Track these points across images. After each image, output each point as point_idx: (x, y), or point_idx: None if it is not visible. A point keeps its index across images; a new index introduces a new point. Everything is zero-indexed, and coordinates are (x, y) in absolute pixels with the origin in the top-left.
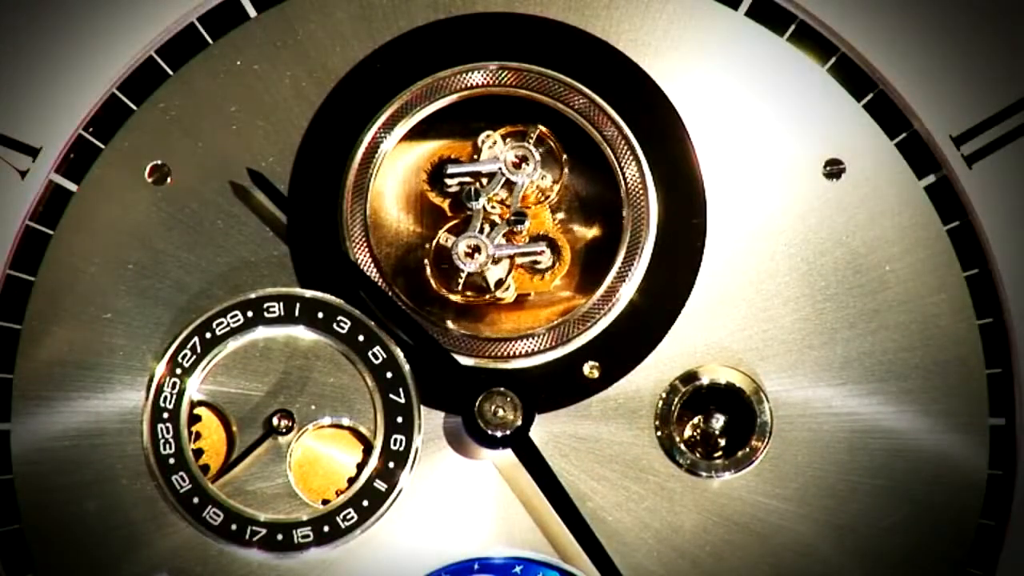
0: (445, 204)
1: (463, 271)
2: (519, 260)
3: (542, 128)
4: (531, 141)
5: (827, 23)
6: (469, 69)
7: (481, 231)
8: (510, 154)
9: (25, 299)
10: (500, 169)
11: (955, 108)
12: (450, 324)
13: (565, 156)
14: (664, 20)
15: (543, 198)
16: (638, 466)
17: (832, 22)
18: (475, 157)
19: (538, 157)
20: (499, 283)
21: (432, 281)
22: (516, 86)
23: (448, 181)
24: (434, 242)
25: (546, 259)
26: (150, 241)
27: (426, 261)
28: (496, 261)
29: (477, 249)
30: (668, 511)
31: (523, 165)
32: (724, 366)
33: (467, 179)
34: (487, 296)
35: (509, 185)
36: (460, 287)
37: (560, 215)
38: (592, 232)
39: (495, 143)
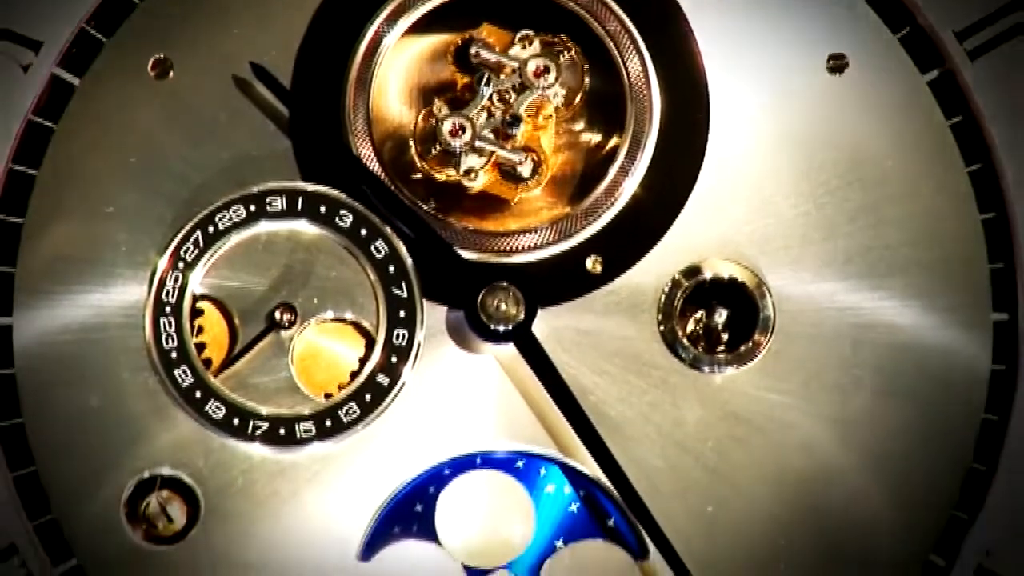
0: (461, 82)
1: (439, 142)
2: (499, 160)
3: (577, 50)
4: (561, 58)
5: None
6: None
7: (477, 117)
8: (535, 61)
9: (28, 193)
10: (519, 69)
11: (958, 3)
12: (453, 218)
13: (587, 82)
14: None
15: (552, 115)
16: (640, 360)
17: None
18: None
19: (559, 74)
20: (469, 171)
21: (412, 142)
22: None
23: (472, 60)
24: (431, 107)
25: (524, 170)
26: (152, 135)
27: (417, 120)
28: (477, 151)
29: (463, 129)
30: (671, 405)
31: (542, 76)
32: (727, 260)
33: (487, 65)
34: (451, 175)
35: (522, 88)
36: (431, 156)
37: (561, 139)
38: (594, 133)
39: (531, 44)
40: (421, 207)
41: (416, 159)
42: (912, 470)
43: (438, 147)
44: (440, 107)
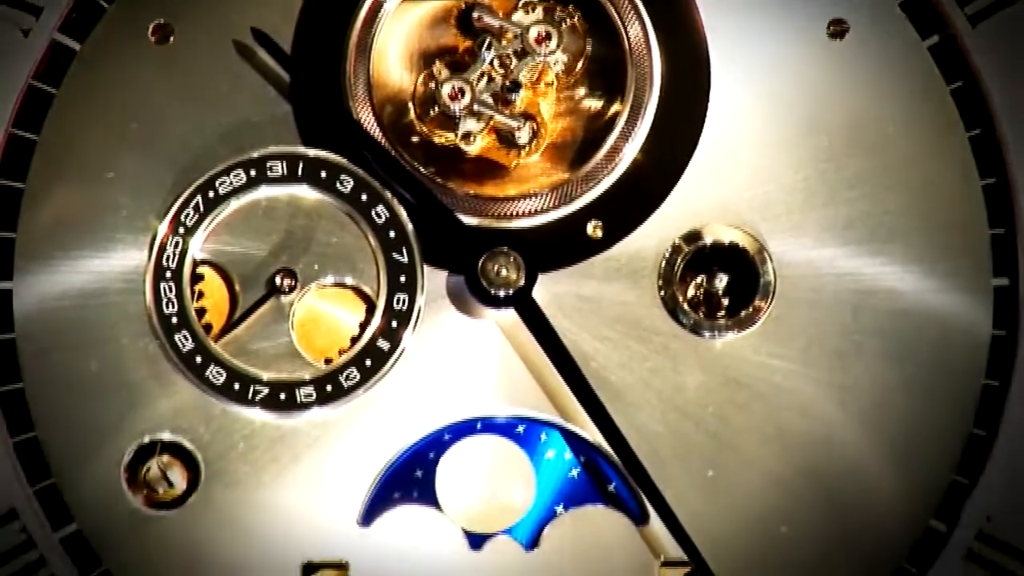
0: (462, 46)
1: (438, 104)
2: (497, 125)
3: (579, 16)
4: (563, 25)
5: None
6: None
7: (477, 81)
8: (537, 27)
9: (28, 158)
10: (521, 35)
11: None
12: (453, 184)
13: (588, 49)
14: None
15: (553, 81)
16: (641, 326)
17: None
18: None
19: (560, 41)
20: (467, 135)
21: (412, 104)
22: None
23: (474, 24)
24: (432, 70)
25: (522, 136)
26: (153, 100)
27: (416, 83)
28: (475, 115)
29: (462, 92)
30: (671, 371)
31: (543, 43)
32: (727, 226)
33: (489, 29)
34: (447, 138)
35: (523, 54)
36: (430, 118)
37: (561, 105)
38: (595, 100)
39: (534, 10)
40: (422, 172)
41: (415, 122)
42: (913, 435)
43: (436, 109)
44: (440, 70)
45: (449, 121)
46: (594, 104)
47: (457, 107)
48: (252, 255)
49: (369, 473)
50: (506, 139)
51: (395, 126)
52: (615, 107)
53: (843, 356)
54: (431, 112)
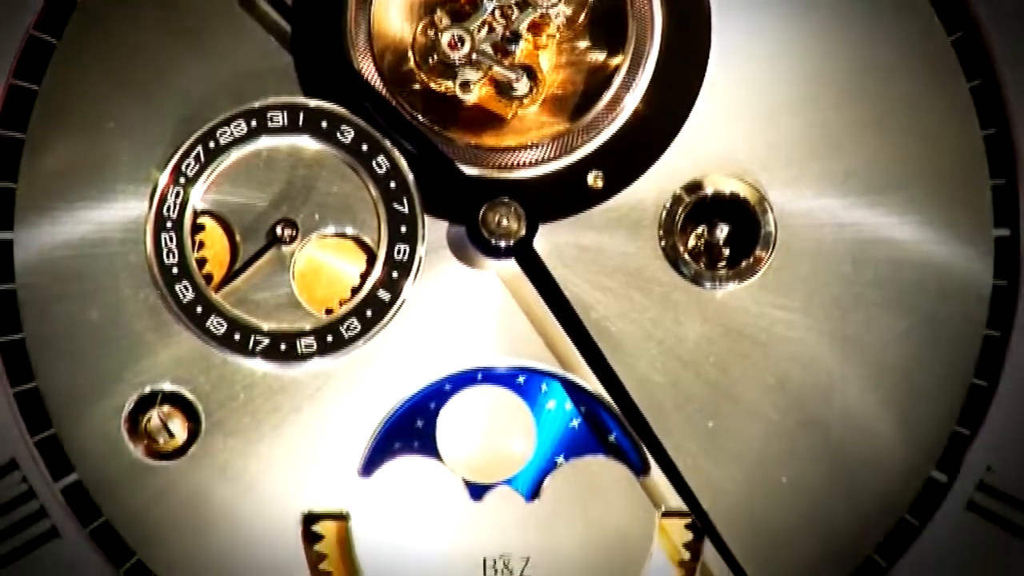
0: None
1: (437, 52)
2: (495, 75)
3: None
4: None
5: None
6: None
7: (477, 31)
8: None
9: (29, 108)
10: None
11: None
12: (454, 134)
13: (591, 1)
14: None
15: (555, 34)
16: (642, 276)
17: None
18: None
19: None
20: (465, 84)
21: (411, 52)
22: None
23: None
24: (433, 17)
25: (520, 88)
26: (154, 51)
27: (417, 31)
28: (474, 64)
29: (461, 41)
30: (672, 322)
31: None
32: (728, 176)
33: None
34: (446, 86)
35: (524, 5)
36: (428, 66)
37: (562, 57)
38: (595, 52)
39: None
40: (423, 123)
41: (415, 69)
42: (913, 386)
43: (436, 58)
44: (441, 17)
45: (448, 69)
46: (595, 56)
47: (456, 56)
48: (253, 205)
49: (370, 423)
50: (504, 90)
51: (395, 74)
52: (616, 59)
53: (844, 306)
54: (430, 60)
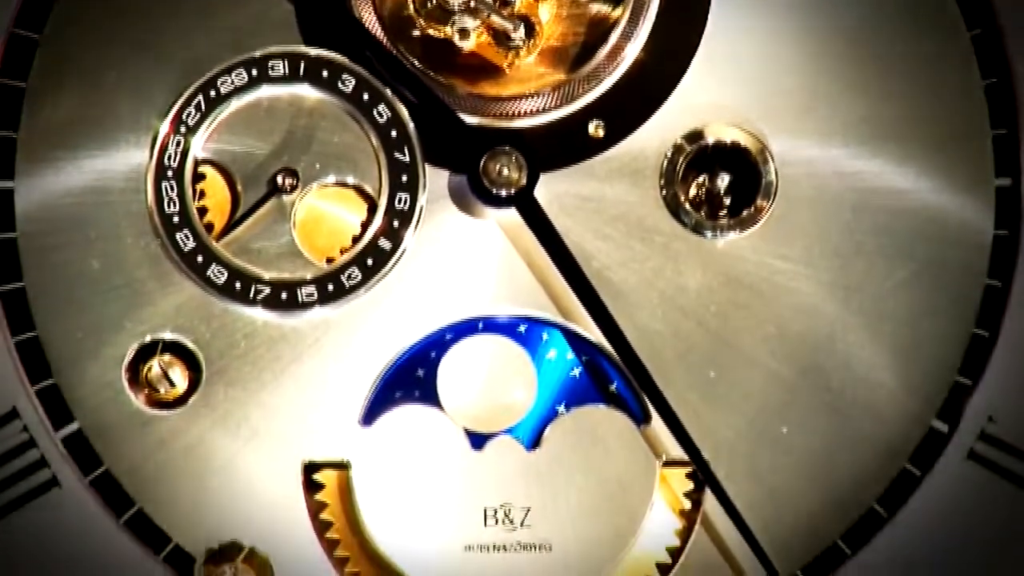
0: None
1: None
2: (493, 24)
3: None
4: None
5: None
6: None
7: None
8: None
9: (30, 57)
10: None
11: None
12: (455, 83)
13: None
14: None
15: None
16: (643, 226)
17: None
18: None
19: None
20: (463, 31)
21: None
22: None
23: None
24: None
25: (517, 38)
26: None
27: None
28: (472, 11)
29: None
30: (673, 271)
31: None
32: (729, 125)
33: None
34: (444, 32)
35: None
36: (427, 10)
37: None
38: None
39: None
40: (423, 72)
41: (413, 14)
42: (914, 336)
43: (434, 2)
44: None
45: (446, 15)
46: (595, 8)
47: (455, 2)
48: (253, 155)
49: (370, 373)
50: (501, 39)
51: (395, 22)
52: (616, 11)
53: (844, 255)
54: (428, 5)
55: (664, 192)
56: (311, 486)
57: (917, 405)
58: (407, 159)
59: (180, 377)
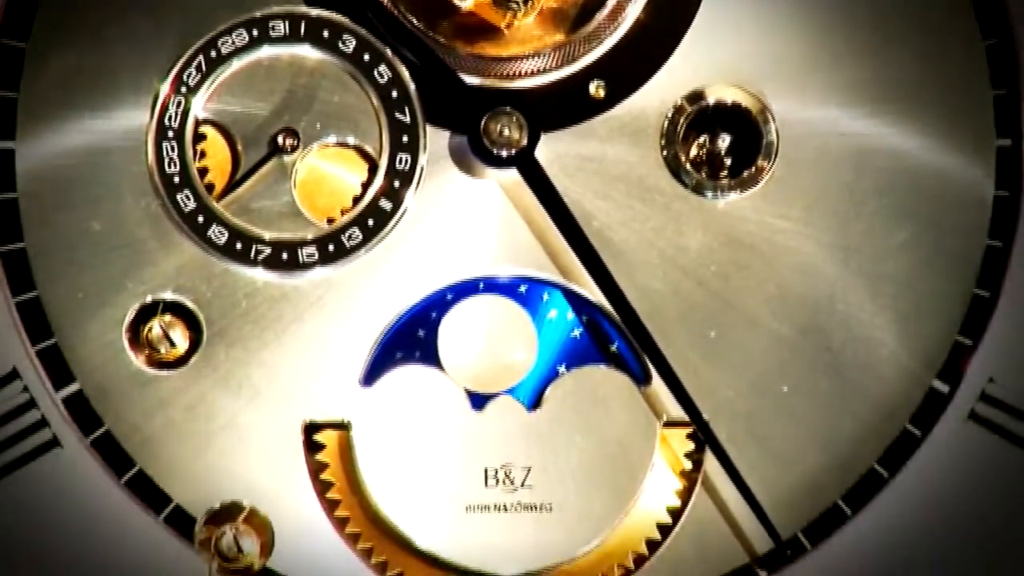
0: None
1: None
2: None
3: None
4: None
5: None
6: None
7: None
8: None
9: (31, 18)
10: None
11: None
12: (456, 44)
13: None
14: None
15: None
16: (644, 186)
17: None
18: None
19: None
20: None
21: None
22: None
23: None
24: None
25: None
26: None
27: None
28: None
29: None
30: (673, 231)
31: None
32: (730, 85)
33: None
34: None
35: None
36: None
37: None
38: None
39: None
40: (424, 32)
41: None
42: (915, 296)
43: None
44: None
45: None
46: None
47: None
48: (254, 115)
49: (371, 333)
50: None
51: None
52: None
53: (845, 215)
54: None
55: (665, 152)
56: (312, 446)
57: (918, 366)
58: (408, 119)
59: (181, 337)
